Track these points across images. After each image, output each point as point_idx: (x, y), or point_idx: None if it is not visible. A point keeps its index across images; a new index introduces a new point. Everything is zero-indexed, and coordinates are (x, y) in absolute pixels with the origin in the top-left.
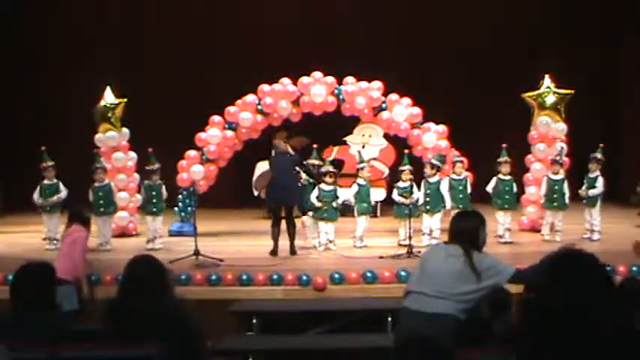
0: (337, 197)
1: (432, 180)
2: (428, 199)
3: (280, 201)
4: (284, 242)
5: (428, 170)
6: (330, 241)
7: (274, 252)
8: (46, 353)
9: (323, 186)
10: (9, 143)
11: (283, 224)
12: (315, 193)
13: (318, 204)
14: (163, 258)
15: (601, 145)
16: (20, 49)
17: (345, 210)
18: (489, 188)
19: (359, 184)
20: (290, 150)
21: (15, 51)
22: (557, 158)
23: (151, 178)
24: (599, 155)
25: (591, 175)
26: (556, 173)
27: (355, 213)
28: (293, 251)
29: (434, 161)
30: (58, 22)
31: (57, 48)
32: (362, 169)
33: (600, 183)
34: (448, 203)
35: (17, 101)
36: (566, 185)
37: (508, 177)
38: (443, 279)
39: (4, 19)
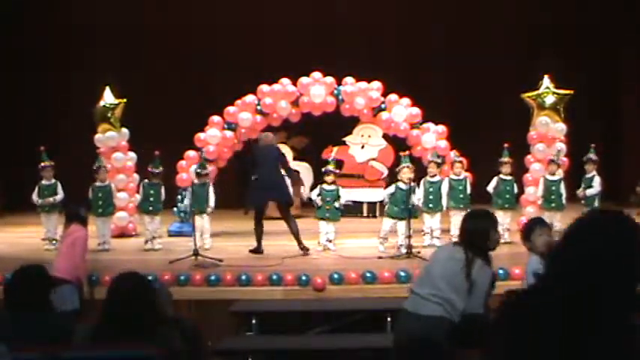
0: (339, 197)
1: (433, 180)
2: (431, 197)
3: (267, 199)
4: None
5: (433, 169)
6: (330, 241)
7: (258, 250)
8: (46, 353)
9: (325, 185)
10: (9, 143)
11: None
12: (316, 191)
13: (319, 202)
14: (162, 258)
15: (592, 145)
16: (20, 49)
17: (346, 210)
18: (490, 188)
19: (397, 187)
20: (273, 142)
21: (15, 51)
22: (555, 159)
23: (151, 179)
24: (592, 156)
25: (588, 176)
26: (553, 174)
27: (385, 214)
28: (304, 248)
29: (435, 159)
30: (58, 22)
31: (57, 48)
32: (400, 170)
33: (597, 182)
34: (444, 204)
35: (17, 101)
36: (563, 185)
37: (509, 177)
38: (437, 282)
39: (4, 19)
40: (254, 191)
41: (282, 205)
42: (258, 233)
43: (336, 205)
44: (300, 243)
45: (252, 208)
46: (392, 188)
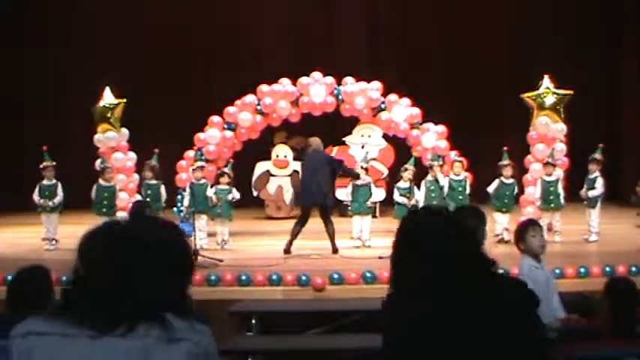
0: (232, 192)
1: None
2: (433, 196)
3: (312, 203)
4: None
5: (434, 173)
6: (224, 241)
7: (288, 250)
8: None
9: (220, 186)
10: (9, 143)
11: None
12: (212, 190)
13: (214, 201)
14: None
15: (600, 145)
16: (20, 49)
17: (343, 210)
18: (490, 189)
19: (354, 185)
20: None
21: (15, 51)
22: (550, 160)
23: (147, 172)
24: (598, 156)
25: (591, 176)
26: (550, 175)
27: (350, 213)
28: (335, 250)
29: (432, 162)
30: (58, 22)
31: (57, 48)
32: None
33: (600, 184)
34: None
35: (18, 101)
36: (560, 185)
37: (510, 180)
38: None
39: (4, 19)
40: (300, 193)
41: (322, 209)
42: (295, 232)
43: (229, 197)
44: (333, 244)
45: (296, 207)
46: (349, 187)
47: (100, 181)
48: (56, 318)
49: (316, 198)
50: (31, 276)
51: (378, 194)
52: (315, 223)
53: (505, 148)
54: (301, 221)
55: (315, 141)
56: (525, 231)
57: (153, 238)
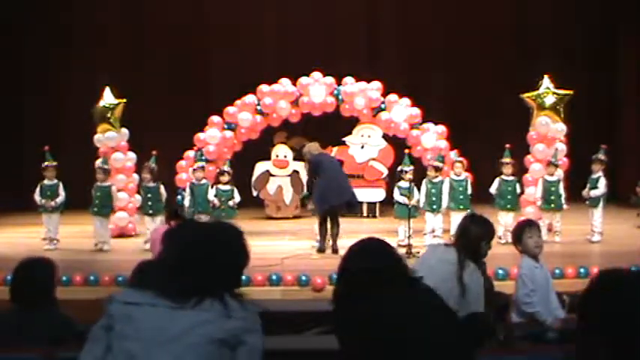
0: (233, 197)
1: (435, 180)
2: (434, 198)
3: (342, 201)
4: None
5: (431, 173)
6: None
7: (322, 249)
8: (44, 354)
9: (220, 186)
10: (9, 143)
11: None
12: (212, 192)
13: (217, 203)
14: None
15: (603, 145)
16: (21, 50)
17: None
18: (493, 190)
19: None
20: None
21: (15, 51)
22: (552, 160)
23: (144, 177)
24: (601, 156)
25: (594, 176)
26: (551, 174)
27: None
28: (335, 250)
29: (435, 163)
30: (58, 22)
31: (57, 48)
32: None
33: (602, 184)
34: (444, 203)
35: (18, 101)
36: (561, 186)
37: (511, 178)
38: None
39: (4, 20)
40: (329, 194)
41: (343, 207)
42: (324, 232)
43: (230, 204)
44: (334, 244)
45: (321, 212)
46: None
47: (98, 181)
48: (143, 291)
49: (345, 196)
50: (35, 267)
51: (378, 194)
52: (314, 222)
53: (508, 146)
54: (325, 222)
55: (315, 145)
56: (522, 232)
57: (218, 236)
